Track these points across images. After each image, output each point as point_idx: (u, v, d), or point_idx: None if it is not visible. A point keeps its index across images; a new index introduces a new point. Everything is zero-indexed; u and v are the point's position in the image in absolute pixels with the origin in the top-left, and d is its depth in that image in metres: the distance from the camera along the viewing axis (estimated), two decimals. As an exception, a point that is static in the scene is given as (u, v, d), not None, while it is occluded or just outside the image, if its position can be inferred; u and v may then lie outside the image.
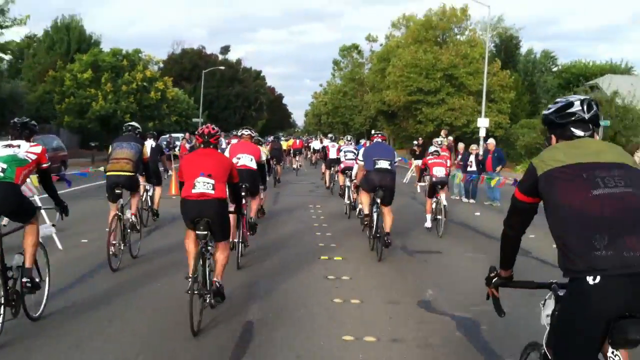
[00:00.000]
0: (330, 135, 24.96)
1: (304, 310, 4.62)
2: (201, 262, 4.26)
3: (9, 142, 4.17)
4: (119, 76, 31.77)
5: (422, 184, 10.51)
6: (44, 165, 4.26)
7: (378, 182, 7.08)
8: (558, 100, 2.36)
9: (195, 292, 4.02)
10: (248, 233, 6.59)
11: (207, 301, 4.32)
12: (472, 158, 13.16)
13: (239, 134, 7.70)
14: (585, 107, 2.27)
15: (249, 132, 7.44)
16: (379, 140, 7.63)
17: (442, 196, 8.78)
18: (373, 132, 8.00)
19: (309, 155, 33.04)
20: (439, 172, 9.06)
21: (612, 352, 2.03)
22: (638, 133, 22.52)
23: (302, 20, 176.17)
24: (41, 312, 4.27)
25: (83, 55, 31.91)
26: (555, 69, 42.45)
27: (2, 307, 3.78)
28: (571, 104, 2.28)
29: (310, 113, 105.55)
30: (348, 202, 10.76)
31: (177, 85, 57.42)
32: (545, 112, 2.38)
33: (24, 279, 3.98)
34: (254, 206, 7.04)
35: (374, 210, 7.21)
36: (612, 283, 1.92)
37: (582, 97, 2.29)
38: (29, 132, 4.33)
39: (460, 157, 13.90)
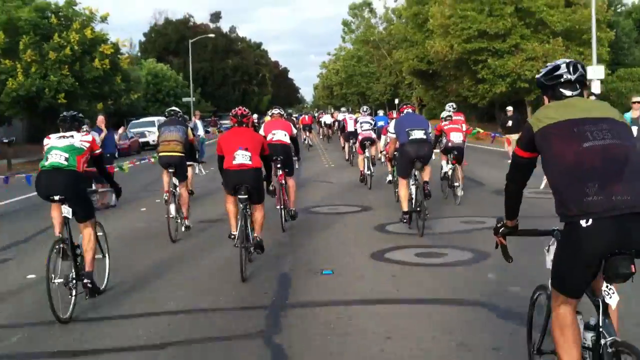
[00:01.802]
0: (342, 108, 29.15)
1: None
2: (243, 223, 6.02)
3: (62, 134, 5.26)
4: (45, 40, 26.03)
5: (437, 151, 11.36)
6: (97, 152, 5.43)
7: (415, 154, 7.64)
8: (547, 64, 3.02)
9: (243, 246, 5.83)
10: (289, 215, 8.35)
11: (251, 253, 6.22)
12: None
13: (270, 113, 9.62)
14: (571, 69, 2.86)
15: (279, 111, 9.25)
16: (410, 110, 8.33)
17: (458, 166, 9.93)
18: (398, 102, 9.53)
19: (320, 131, 35.71)
20: (456, 137, 9.96)
21: (607, 286, 2.66)
22: None
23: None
24: (105, 286, 5.45)
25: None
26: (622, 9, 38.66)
27: (74, 282, 4.95)
28: (558, 67, 2.89)
29: (319, 85, 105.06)
30: (368, 172, 12.28)
31: (163, 60, 57.56)
32: (537, 76, 3.03)
33: (85, 280, 5.02)
34: (291, 192, 8.49)
35: (412, 183, 7.87)
36: (602, 224, 2.51)
37: (568, 60, 2.92)
38: (77, 124, 5.46)
39: None
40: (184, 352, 4.24)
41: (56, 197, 4.99)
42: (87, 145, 5.26)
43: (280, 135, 8.27)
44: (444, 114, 11.00)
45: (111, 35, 32.60)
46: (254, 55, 72.22)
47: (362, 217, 9.18)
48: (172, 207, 7.87)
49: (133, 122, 33.33)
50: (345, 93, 70.82)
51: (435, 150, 11.25)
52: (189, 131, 8.69)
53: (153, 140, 27.90)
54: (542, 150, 2.80)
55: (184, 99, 50.89)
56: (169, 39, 64.36)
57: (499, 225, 3.16)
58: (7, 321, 5.00)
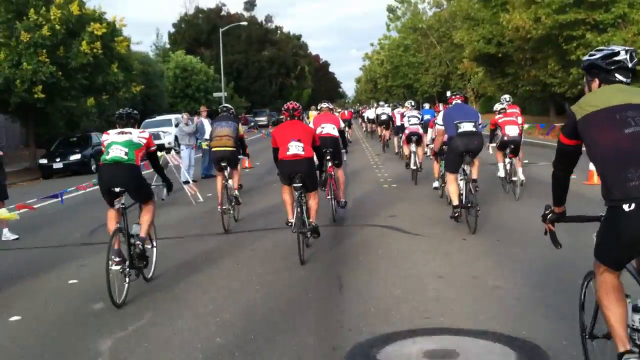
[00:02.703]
0: (382, 102, 29.78)
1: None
2: (298, 210, 6.91)
3: (121, 129, 6.08)
4: (19, 18, 21.90)
5: (494, 145, 11.54)
6: (152, 148, 6.25)
7: (464, 147, 7.82)
8: (601, 48, 3.31)
9: (300, 231, 6.72)
10: (338, 206, 9.22)
11: (308, 238, 7.15)
12: None
13: (319, 107, 10.68)
14: (629, 56, 3.16)
15: (327, 105, 10.52)
16: (459, 101, 8.48)
17: (516, 160, 10.28)
18: (450, 94, 9.18)
19: (362, 125, 37.29)
20: (511, 130, 10.21)
21: None
22: None
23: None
24: (152, 274, 6.37)
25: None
26: None
27: (129, 270, 5.73)
28: (618, 53, 3.16)
29: (362, 79, 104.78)
30: (414, 167, 12.95)
31: (193, 52, 57.68)
32: (588, 57, 3.26)
33: (137, 242, 5.88)
34: (341, 181, 9.35)
35: (460, 178, 8.05)
36: None
37: (627, 48, 3.20)
38: (134, 121, 6.30)
39: None
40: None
41: (117, 189, 5.82)
42: (145, 141, 6.09)
43: (329, 129, 9.15)
44: (497, 107, 11.29)
45: (132, 28, 31.15)
46: (292, 46, 71.59)
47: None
48: (225, 200, 8.88)
49: (147, 120, 30.12)
50: (391, 86, 69.66)
51: (492, 145, 11.63)
52: (240, 127, 9.73)
53: (169, 143, 26.47)
54: (585, 137, 3.10)
55: (215, 94, 50.22)
56: (200, 29, 64.53)
57: (547, 212, 3.49)
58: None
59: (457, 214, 7.89)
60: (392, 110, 22.29)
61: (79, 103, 26.63)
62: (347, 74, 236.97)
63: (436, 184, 10.85)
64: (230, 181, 9.11)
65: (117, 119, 6.32)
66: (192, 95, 50.49)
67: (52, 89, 22.46)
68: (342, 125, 9.86)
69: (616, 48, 3.25)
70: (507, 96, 13.19)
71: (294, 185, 7.01)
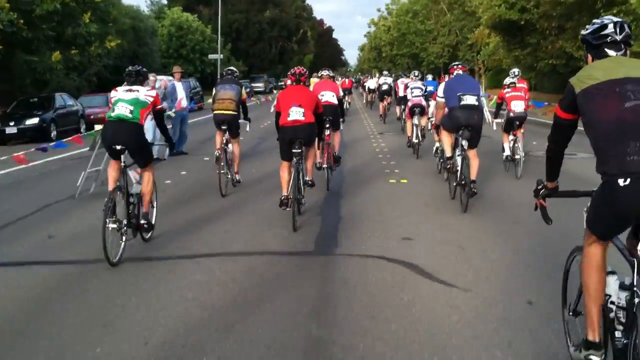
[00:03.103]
0: (385, 72, 30.78)
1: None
2: (296, 175, 7.22)
3: (129, 87, 6.23)
4: None
5: (499, 120, 11.59)
6: (159, 107, 6.47)
7: (465, 121, 7.88)
8: (594, 21, 3.37)
9: (294, 197, 7.09)
10: (334, 164, 9.72)
11: (302, 205, 7.56)
12: None
13: (320, 74, 11.16)
14: (617, 29, 3.24)
15: (328, 72, 10.97)
16: (460, 72, 8.57)
17: (520, 135, 10.52)
18: (453, 64, 9.08)
19: (364, 95, 37.12)
20: (517, 106, 10.37)
21: None
22: None
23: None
24: (151, 235, 6.56)
25: None
26: None
27: (126, 227, 5.93)
28: (605, 26, 3.25)
29: (366, 46, 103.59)
30: (416, 141, 13.10)
31: (192, 10, 56.55)
32: (582, 32, 3.39)
33: (142, 221, 6.17)
34: (336, 142, 9.98)
35: (457, 153, 8.13)
36: (639, 184, 2.84)
37: (615, 20, 3.26)
38: (142, 78, 6.45)
39: None
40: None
41: (118, 147, 6.00)
42: (151, 99, 6.27)
43: (329, 97, 9.61)
44: (507, 81, 11.31)
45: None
46: (295, 8, 70.33)
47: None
48: (224, 163, 9.18)
49: (83, 97, 25.03)
50: (396, 55, 68.72)
51: (497, 120, 11.61)
52: (243, 91, 10.07)
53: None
54: (584, 111, 3.15)
55: (210, 56, 49.22)
56: (200, -15, 62.70)
57: (539, 187, 3.57)
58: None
59: (449, 166, 8.32)
60: (395, 80, 22.63)
61: (43, 57, 23.24)
62: (351, 42, 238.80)
63: (437, 145, 10.82)
64: (230, 145, 9.46)
65: (126, 76, 6.49)
66: (187, 56, 49.67)
67: (13, 40, 20.25)
68: (342, 93, 10.32)
69: (605, 20, 3.30)
70: (516, 70, 13.18)
71: (293, 151, 7.27)
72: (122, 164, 6.12)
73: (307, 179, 7.74)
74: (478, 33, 53.79)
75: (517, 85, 11.24)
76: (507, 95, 10.68)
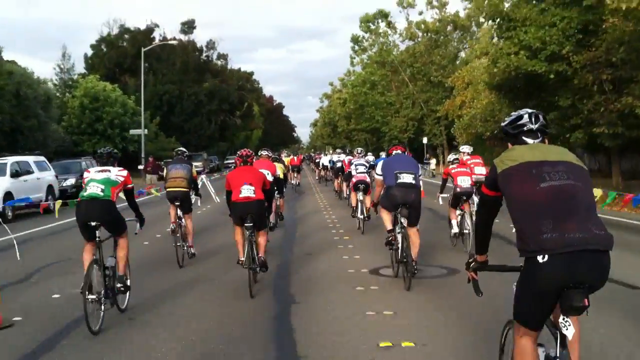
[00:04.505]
0: (337, 150, 34.24)
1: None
2: (249, 248, 8.95)
3: (101, 168, 7.60)
4: None
5: (444, 195, 12.44)
6: (129, 186, 7.76)
7: (401, 199, 8.73)
8: (512, 114, 4.08)
9: (250, 267, 8.75)
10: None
11: (257, 274, 9.29)
12: None
13: (260, 154, 13.49)
14: (533, 119, 3.90)
15: (267, 153, 13.61)
16: (399, 152, 9.60)
17: (467, 210, 11.89)
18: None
19: (317, 172, 40.11)
20: (464, 181, 11.49)
21: (563, 319, 3.58)
22: None
23: (299, 38, 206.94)
24: (126, 305, 7.80)
25: None
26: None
27: (104, 299, 7.08)
28: (521, 117, 3.94)
29: (319, 121, 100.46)
30: (361, 217, 14.66)
31: (113, 80, 50.06)
32: (502, 124, 4.10)
33: (118, 285, 7.37)
34: (262, 244, 9.79)
35: (398, 231, 8.96)
36: (557, 260, 3.43)
37: (530, 111, 3.98)
38: (113, 160, 7.77)
39: None
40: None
41: (93, 223, 7.14)
42: (122, 179, 7.53)
43: (265, 174, 11.34)
44: (450, 157, 12.67)
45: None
46: (237, 78, 64.31)
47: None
48: (178, 236, 10.91)
49: None
50: (353, 129, 63.63)
51: (442, 195, 12.73)
52: (193, 169, 11.81)
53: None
54: (504, 190, 3.74)
55: (132, 131, 42.53)
56: (124, 52, 57.91)
57: (470, 260, 4.17)
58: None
59: (390, 238, 9.22)
60: (338, 157, 25.61)
61: None
62: (302, 120, 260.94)
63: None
64: (183, 220, 11.19)
65: (98, 157, 7.99)
66: (103, 132, 42.53)
67: None
68: (278, 172, 13.24)
69: (520, 112, 3.99)
70: (466, 147, 14.60)
71: (246, 225, 8.77)
72: (97, 238, 7.26)
73: (260, 255, 8.98)
74: (448, 104, 49.08)
75: (470, 161, 13.53)
76: (452, 171, 11.85)
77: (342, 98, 70.35)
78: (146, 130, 45.54)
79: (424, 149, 55.66)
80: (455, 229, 11.57)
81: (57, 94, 49.67)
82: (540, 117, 3.89)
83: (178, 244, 10.70)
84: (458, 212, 11.57)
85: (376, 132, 62.88)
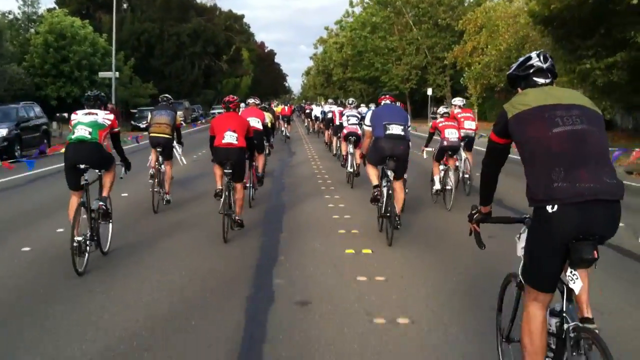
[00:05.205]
0: (330, 100, 32.60)
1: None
2: (227, 194, 9.27)
3: (89, 110, 7.87)
4: None
5: (429, 149, 12.50)
6: (116, 129, 8.11)
7: (389, 151, 8.73)
8: (518, 59, 4.14)
9: (225, 212, 9.15)
10: (257, 184, 12.43)
11: (233, 222, 9.53)
12: None
13: (247, 102, 13.78)
14: (542, 58, 3.87)
15: (254, 100, 13.87)
16: (388, 102, 9.63)
17: (452, 165, 11.84)
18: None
19: (307, 124, 39.40)
20: (451, 134, 11.52)
21: (571, 272, 3.50)
22: None
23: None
24: (108, 248, 8.27)
25: None
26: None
27: (89, 241, 7.51)
28: (530, 58, 3.93)
29: (313, 69, 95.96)
30: (351, 170, 14.93)
31: (86, 17, 45.27)
32: (508, 72, 4.04)
33: (101, 203, 7.81)
34: (260, 163, 12.43)
35: (384, 184, 9.06)
36: (566, 210, 3.36)
37: (538, 52, 3.93)
38: (100, 102, 8.06)
39: None
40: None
41: (82, 166, 7.48)
42: (109, 122, 7.80)
43: (254, 122, 11.84)
44: (441, 110, 12.65)
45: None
46: (225, 18, 59.30)
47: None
48: (156, 182, 11.35)
49: None
50: (350, 78, 59.21)
51: (427, 149, 12.58)
52: (177, 116, 12.09)
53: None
54: (515, 136, 3.65)
55: (101, 74, 38.27)
56: (99, -15, 51.60)
57: (473, 212, 4.09)
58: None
59: (376, 194, 9.25)
60: (330, 108, 24.95)
61: None
62: (294, 70, 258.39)
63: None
64: (162, 166, 11.50)
65: (85, 100, 8.13)
66: (70, 74, 38.07)
67: None
68: (267, 120, 13.36)
69: (527, 55, 3.97)
70: (458, 100, 14.11)
71: (225, 171, 9.26)
72: (85, 181, 7.59)
73: (236, 216, 9.42)
74: (457, 50, 44.62)
75: (460, 115, 12.87)
76: (440, 124, 11.86)
77: (338, 42, 66.54)
78: (117, 73, 41.79)
79: (428, 100, 52.55)
80: (437, 186, 11.68)
81: (20, 30, 45.49)
82: (548, 57, 3.92)
83: (155, 189, 11.20)
84: (441, 167, 11.70)
85: (374, 81, 60.01)
